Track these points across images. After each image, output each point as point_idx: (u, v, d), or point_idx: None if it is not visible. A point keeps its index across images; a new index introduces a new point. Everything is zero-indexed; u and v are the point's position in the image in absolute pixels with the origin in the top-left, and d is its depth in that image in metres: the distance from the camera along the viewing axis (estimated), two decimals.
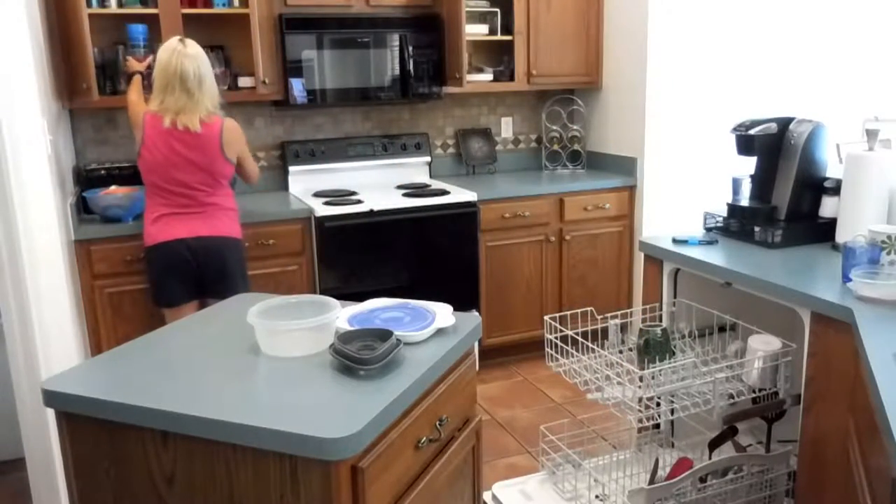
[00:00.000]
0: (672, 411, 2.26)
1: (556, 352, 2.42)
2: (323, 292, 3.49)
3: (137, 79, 3.10)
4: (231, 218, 3.07)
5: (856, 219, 2.34)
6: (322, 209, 3.49)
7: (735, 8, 4.04)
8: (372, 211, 3.56)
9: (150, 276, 3.06)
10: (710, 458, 2.48)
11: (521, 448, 3.22)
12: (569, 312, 2.67)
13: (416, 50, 3.82)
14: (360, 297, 2.03)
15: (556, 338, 2.42)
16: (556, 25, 4.12)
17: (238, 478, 1.41)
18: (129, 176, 3.50)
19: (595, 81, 4.30)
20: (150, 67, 3.05)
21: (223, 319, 1.94)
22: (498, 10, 4.05)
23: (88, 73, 3.14)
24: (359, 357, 1.54)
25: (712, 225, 2.76)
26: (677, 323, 2.67)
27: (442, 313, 1.82)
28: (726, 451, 2.51)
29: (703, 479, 2.28)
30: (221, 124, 2.93)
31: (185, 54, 2.84)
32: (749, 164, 2.74)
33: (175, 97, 2.84)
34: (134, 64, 3.17)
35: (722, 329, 2.57)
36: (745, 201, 2.74)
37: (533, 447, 3.17)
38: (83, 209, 3.36)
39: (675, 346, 2.57)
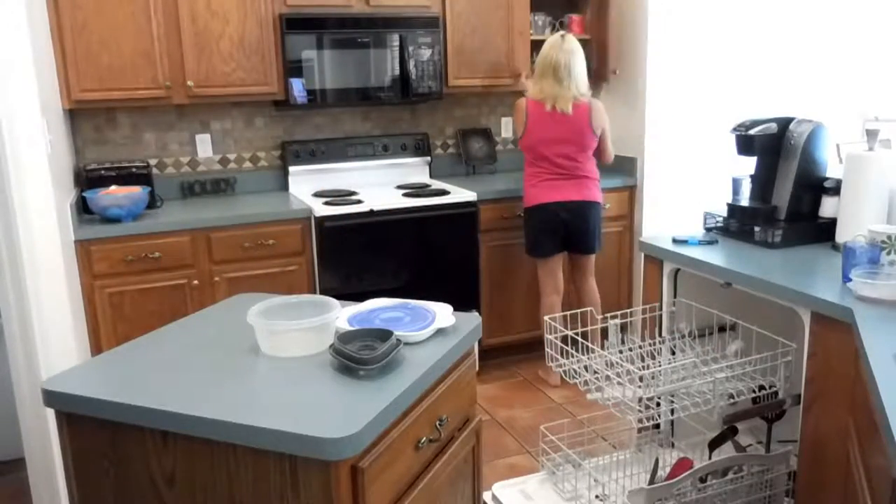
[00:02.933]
0: (672, 411, 2.26)
1: (556, 352, 2.42)
2: (323, 292, 3.49)
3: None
4: (596, 185, 3.62)
5: (856, 219, 2.34)
6: (322, 209, 3.49)
7: (735, 8, 4.04)
8: (372, 211, 3.56)
9: (528, 231, 3.66)
10: (710, 458, 2.48)
11: (521, 448, 3.22)
12: (568, 313, 2.67)
13: (416, 50, 3.83)
14: (360, 297, 2.03)
15: (556, 338, 2.42)
16: None
17: (238, 478, 1.41)
18: (129, 176, 3.51)
19: (595, 81, 4.29)
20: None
21: (223, 319, 1.94)
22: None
23: None
24: (359, 357, 1.54)
25: (712, 225, 2.76)
26: (677, 323, 2.67)
27: (442, 313, 1.82)
28: (726, 451, 2.50)
29: (703, 479, 2.28)
30: (590, 104, 3.52)
31: (560, 48, 3.45)
32: (749, 164, 2.74)
33: (549, 84, 3.48)
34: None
35: (722, 329, 2.57)
36: (745, 201, 2.74)
37: (533, 447, 3.17)
38: (83, 209, 3.36)
39: (674, 347, 2.57)
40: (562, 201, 3.53)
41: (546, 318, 2.56)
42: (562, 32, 3.56)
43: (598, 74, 4.28)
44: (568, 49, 3.45)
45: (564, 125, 3.48)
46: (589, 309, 3.02)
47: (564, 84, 3.46)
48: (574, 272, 3.80)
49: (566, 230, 3.58)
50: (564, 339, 2.44)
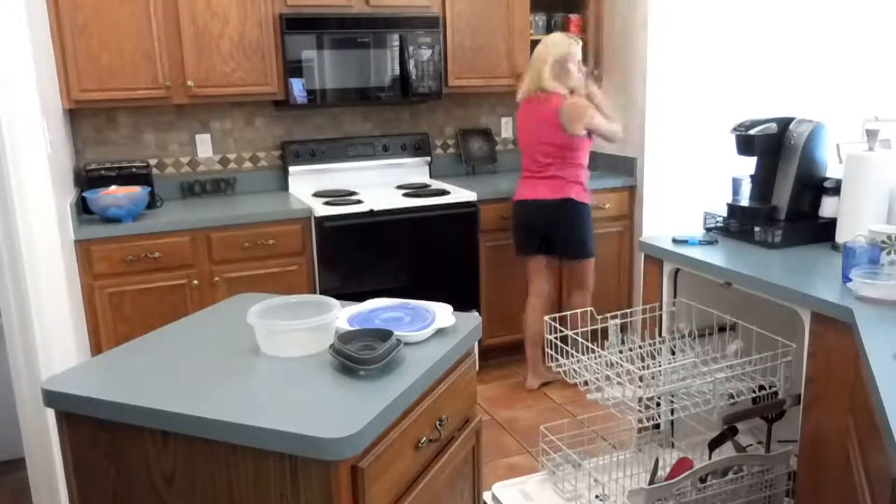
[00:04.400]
0: (672, 411, 2.26)
1: (557, 352, 2.42)
2: (323, 292, 3.49)
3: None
4: (570, 185, 3.51)
5: (856, 219, 2.34)
6: (322, 209, 3.49)
7: (735, 8, 4.04)
8: (372, 211, 3.56)
9: (511, 228, 3.71)
10: (710, 458, 2.48)
11: (521, 448, 3.22)
12: (569, 313, 2.67)
13: (416, 50, 3.83)
14: (360, 297, 2.03)
15: (556, 338, 2.42)
16: None
17: (238, 478, 1.41)
18: (129, 176, 3.51)
19: (594, 81, 4.29)
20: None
21: (223, 319, 1.94)
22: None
23: None
24: (359, 357, 1.54)
25: (712, 225, 2.76)
26: (677, 323, 2.67)
27: (442, 313, 1.82)
28: (726, 451, 2.50)
29: (703, 479, 2.28)
30: (561, 103, 3.43)
31: (543, 43, 3.51)
32: (749, 164, 2.74)
33: (525, 78, 3.59)
34: None
35: (722, 329, 2.57)
36: (745, 201, 2.74)
37: (533, 447, 3.17)
38: (83, 209, 3.36)
39: (674, 347, 2.57)
40: (535, 199, 3.52)
41: (546, 318, 2.57)
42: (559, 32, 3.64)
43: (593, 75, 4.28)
44: (547, 42, 3.47)
45: (537, 124, 3.48)
46: (589, 309, 3.00)
47: (531, 75, 3.50)
48: (566, 281, 3.80)
49: (543, 230, 3.56)
50: (564, 339, 2.44)
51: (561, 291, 4.01)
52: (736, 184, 2.81)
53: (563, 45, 3.45)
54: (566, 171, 3.49)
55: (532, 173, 3.55)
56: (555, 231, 3.54)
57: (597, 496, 2.58)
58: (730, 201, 2.75)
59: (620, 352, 2.48)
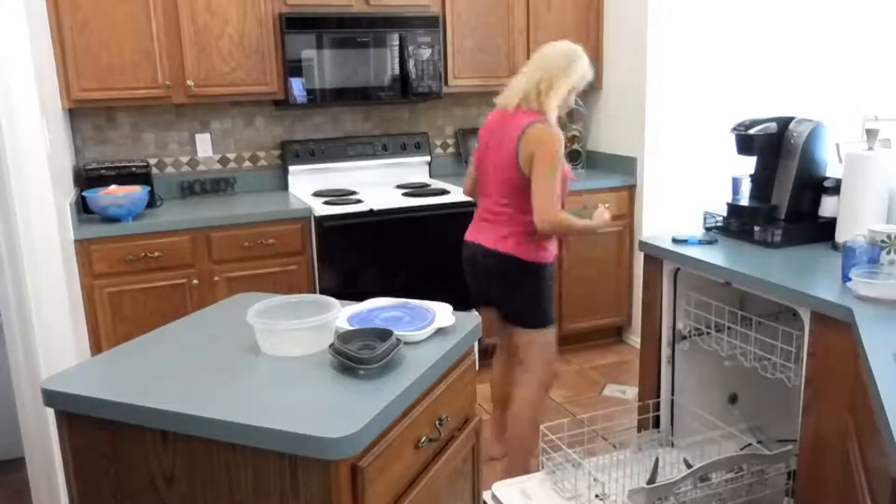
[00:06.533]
0: None
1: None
2: (323, 292, 3.49)
3: None
4: (502, 233, 2.67)
5: (856, 218, 2.34)
6: (322, 209, 3.49)
7: (735, 8, 4.04)
8: (372, 210, 3.55)
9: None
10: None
11: None
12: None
13: (416, 49, 3.82)
14: (360, 297, 2.03)
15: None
16: (556, 25, 4.12)
17: (238, 478, 1.41)
18: (129, 175, 3.50)
19: (595, 81, 4.29)
20: None
21: (223, 319, 1.94)
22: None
23: None
24: (359, 357, 1.54)
25: (712, 224, 2.76)
26: (677, 323, 2.67)
27: (441, 313, 1.82)
28: (726, 451, 2.51)
29: (703, 479, 2.28)
30: (527, 124, 2.57)
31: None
32: (749, 164, 2.74)
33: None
34: None
35: (721, 329, 2.57)
36: (744, 201, 2.74)
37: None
38: (83, 209, 3.36)
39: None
40: (468, 241, 2.80)
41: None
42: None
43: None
44: (573, 55, 2.65)
45: (495, 144, 2.67)
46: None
47: (535, 80, 2.62)
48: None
49: (478, 280, 2.82)
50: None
51: (560, 284, 4.00)
52: (736, 183, 2.81)
53: (587, 71, 2.68)
54: (507, 216, 2.66)
55: (479, 209, 2.81)
56: (484, 284, 2.81)
57: (597, 496, 2.58)
58: (730, 201, 2.75)
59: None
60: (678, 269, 2.61)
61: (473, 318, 1.87)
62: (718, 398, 2.83)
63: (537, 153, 2.53)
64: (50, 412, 2.37)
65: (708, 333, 2.63)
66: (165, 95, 3.46)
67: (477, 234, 2.76)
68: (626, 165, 4.16)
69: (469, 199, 3.64)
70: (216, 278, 3.38)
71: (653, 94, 3.98)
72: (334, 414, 1.39)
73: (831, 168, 2.59)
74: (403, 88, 3.85)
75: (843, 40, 4.22)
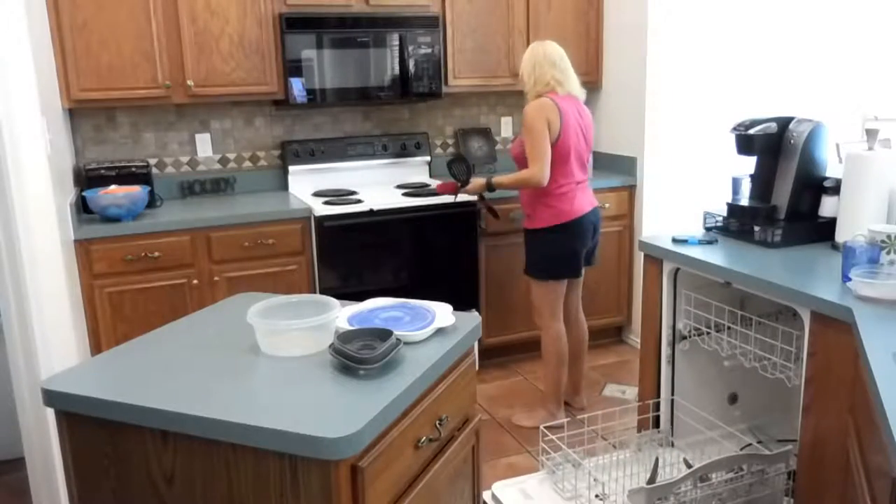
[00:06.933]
0: None
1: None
2: (323, 292, 3.49)
3: None
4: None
5: (855, 218, 2.34)
6: (322, 209, 3.49)
7: (735, 8, 4.04)
8: (372, 210, 3.55)
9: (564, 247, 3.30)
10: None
11: (521, 448, 3.22)
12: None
13: (416, 49, 3.82)
14: (360, 297, 2.03)
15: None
16: (556, 25, 4.13)
17: (238, 478, 1.41)
18: (129, 175, 3.51)
19: (595, 81, 4.30)
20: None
21: (223, 319, 1.94)
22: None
23: None
24: (359, 357, 1.54)
25: (712, 224, 2.76)
26: (677, 323, 2.67)
27: (442, 313, 1.82)
28: (726, 451, 2.51)
29: (703, 479, 2.28)
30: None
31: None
32: (749, 164, 2.74)
33: (559, 71, 3.21)
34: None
35: (720, 329, 2.57)
36: (744, 201, 2.74)
37: (533, 447, 3.17)
38: (83, 209, 3.36)
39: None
40: (594, 209, 3.29)
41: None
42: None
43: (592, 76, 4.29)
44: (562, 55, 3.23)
45: (585, 127, 3.25)
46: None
47: (563, 72, 3.19)
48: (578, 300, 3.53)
49: (593, 239, 3.35)
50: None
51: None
52: (736, 183, 2.81)
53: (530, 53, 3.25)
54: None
55: (581, 181, 3.23)
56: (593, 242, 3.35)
57: (596, 495, 2.58)
58: (729, 201, 2.75)
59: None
60: (678, 269, 2.61)
61: (473, 318, 1.87)
62: (718, 398, 2.83)
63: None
64: (50, 412, 2.37)
65: (708, 333, 2.63)
66: (165, 95, 3.46)
67: (592, 201, 3.29)
68: (626, 165, 4.16)
69: (470, 198, 3.67)
70: (216, 278, 3.38)
71: (653, 94, 3.98)
72: (334, 414, 1.39)
73: (831, 168, 2.59)
74: (403, 88, 3.85)
75: (843, 40, 4.22)
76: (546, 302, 3.30)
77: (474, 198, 3.57)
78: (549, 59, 3.17)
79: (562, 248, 3.23)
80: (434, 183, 4.03)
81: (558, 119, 3.08)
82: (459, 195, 3.52)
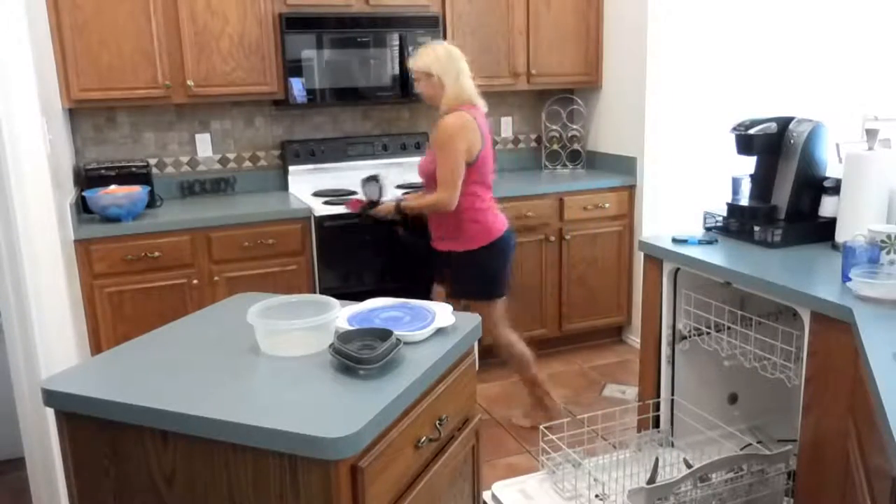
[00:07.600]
0: None
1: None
2: (323, 292, 3.49)
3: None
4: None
5: (855, 218, 2.34)
6: (322, 209, 3.48)
7: (735, 8, 4.04)
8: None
9: (497, 268, 3.23)
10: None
11: (521, 448, 3.22)
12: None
13: (416, 49, 3.81)
14: (360, 297, 2.03)
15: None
16: (556, 24, 4.12)
17: (238, 478, 1.41)
18: (129, 175, 3.50)
19: (595, 81, 4.30)
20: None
21: (223, 319, 1.94)
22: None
23: None
24: (359, 357, 1.54)
25: (712, 224, 2.76)
26: (677, 323, 2.67)
27: (442, 313, 1.82)
28: (726, 451, 2.51)
29: (703, 479, 2.28)
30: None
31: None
32: (749, 164, 2.74)
33: (470, 84, 3.18)
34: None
35: (720, 329, 2.57)
36: (744, 201, 2.74)
37: (533, 447, 3.17)
38: (83, 209, 3.36)
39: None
40: (509, 230, 3.20)
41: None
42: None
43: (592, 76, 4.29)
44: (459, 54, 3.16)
45: (487, 141, 3.10)
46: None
47: (466, 82, 3.13)
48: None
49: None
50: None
51: (560, 284, 4.01)
52: (736, 183, 2.81)
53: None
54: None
55: (493, 200, 3.15)
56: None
57: (596, 496, 2.58)
58: (729, 201, 2.75)
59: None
60: (678, 269, 2.61)
61: (473, 318, 1.87)
62: (718, 398, 2.83)
63: None
64: (50, 412, 2.36)
65: (708, 333, 2.63)
66: (165, 95, 3.46)
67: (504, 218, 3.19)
68: (626, 165, 4.16)
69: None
70: (216, 278, 3.38)
71: (653, 94, 3.98)
72: (334, 414, 1.39)
73: (831, 168, 2.59)
74: (403, 88, 3.85)
75: (843, 40, 4.22)
76: (495, 316, 3.22)
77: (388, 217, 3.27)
78: (465, 68, 3.09)
79: (503, 262, 3.17)
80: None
81: (479, 139, 2.99)
82: (371, 213, 3.25)
